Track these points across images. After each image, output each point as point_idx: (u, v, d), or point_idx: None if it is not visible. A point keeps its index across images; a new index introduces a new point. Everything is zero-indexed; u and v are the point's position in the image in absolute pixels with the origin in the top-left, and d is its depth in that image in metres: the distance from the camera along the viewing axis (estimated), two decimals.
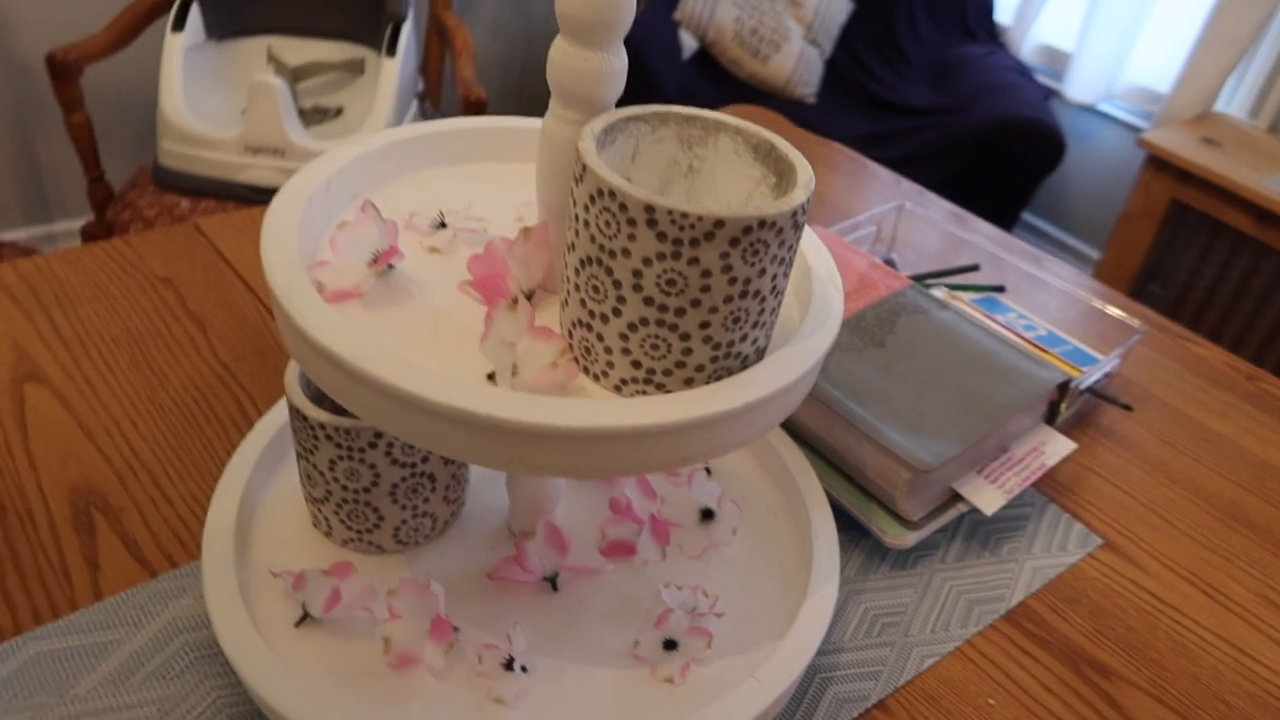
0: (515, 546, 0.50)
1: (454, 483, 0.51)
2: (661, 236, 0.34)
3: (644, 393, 0.38)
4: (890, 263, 0.82)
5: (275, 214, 0.41)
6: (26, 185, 1.76)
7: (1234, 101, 1.78)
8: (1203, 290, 1.68)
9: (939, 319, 0.66)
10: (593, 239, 0.36)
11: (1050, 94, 1.94)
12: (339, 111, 1.48)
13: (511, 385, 0.37)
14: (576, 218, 0.37)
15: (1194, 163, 1.57)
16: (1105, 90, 1.90)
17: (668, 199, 0.34)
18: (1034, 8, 1.96)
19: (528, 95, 2.49)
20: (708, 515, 0.55)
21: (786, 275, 0.38)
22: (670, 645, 0.48)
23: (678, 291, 0.35)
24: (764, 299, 0.37)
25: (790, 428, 0.61)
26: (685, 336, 0.36)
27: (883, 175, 1.06)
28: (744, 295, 0.36)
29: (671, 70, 1.74)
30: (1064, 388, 0.63)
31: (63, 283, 0.72)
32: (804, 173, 0.37)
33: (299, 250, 0.40)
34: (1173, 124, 1.69)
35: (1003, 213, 1.70)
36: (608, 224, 0.35)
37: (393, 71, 1.38)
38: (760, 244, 0.35)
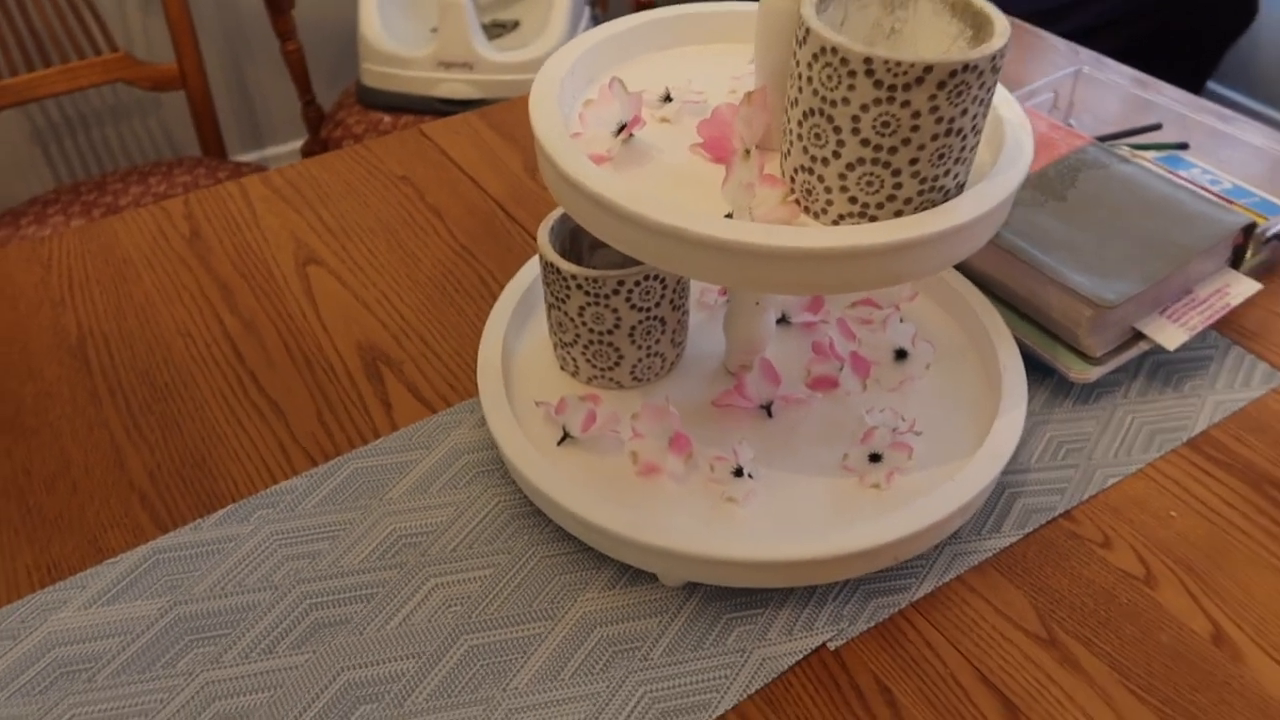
0: (735, 379, 0.59)
1: (679, 327, 0.59)
2: (878, 84, 0.40)
3: (859, 225, 0.44)
4: (1072, 128, 0.84)
5: (538, 94, 0.50)
6: (241, 114, 1.95)
7: None
8: None
9: (1120, 172, 0.69)
10: (815, 92, 0.42)
11: None
12: (516, 24, 1.56)
13: (748, 221, 0.45)
14: (800, 75, 0.43)
15: None
16: None
17: (883, 50, 0.40)
18: None
19: None
20: (901, 355, 0.61)
21: (985, 116, 0.43)
22: (875, 458, 0.55)
23: (891, 132, 0.41)
24: (965, 136, 0.43)
25: (974, 276, 0.66)
26: (896, 173, 0.43)
27: (1059, 45, 1.06)
28: (948, 133, 0.42)
29: None
30: (1248, 231, 0.65)
31: (320, 184, 0.84)
32: (1000, 22, 0.42)
33: (562, 125, 0.48)
34: None
35: (1187, 82, 1.63)
36: (829, 78, 0.41)
37: None
38: (963, 86, 0.40)
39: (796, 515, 0.53)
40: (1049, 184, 0.67)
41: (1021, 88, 0.96)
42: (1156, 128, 0.82)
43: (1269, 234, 0.70)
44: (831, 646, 0.51)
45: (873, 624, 0.51)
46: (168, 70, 1.38)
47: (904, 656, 0.50)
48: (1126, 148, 0.80)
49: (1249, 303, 0.71)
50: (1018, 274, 0.63)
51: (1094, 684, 0.49)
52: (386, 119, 1.44)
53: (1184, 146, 0.81)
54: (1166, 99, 0.96)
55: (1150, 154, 0.80)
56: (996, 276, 0.65)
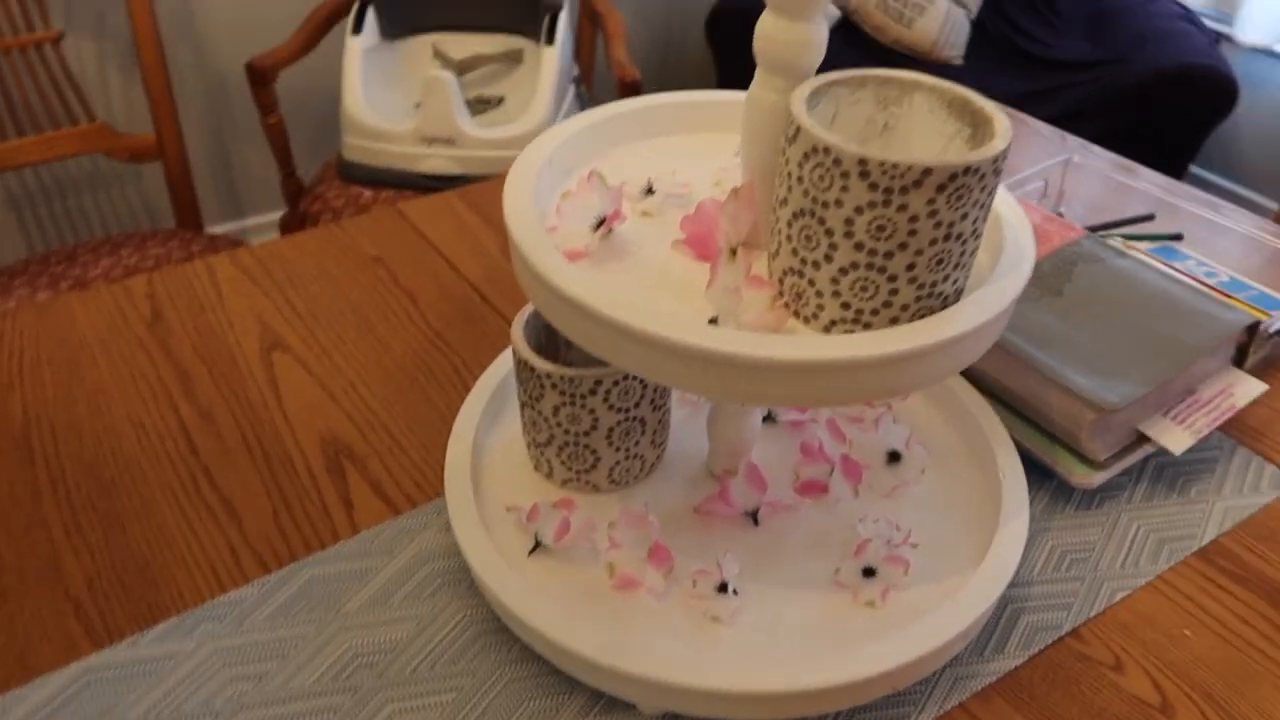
0: (719, 484, 0.55)
1: (660, 428, 0.56)
2: (873, 186, 0.38)
3: (852, 331, 0.41)
4: (1060, 216, 0.83)
5: (513, 186, 0.47)
6: (221, 184, 1.93)
7: None
8: None
9: (1116, 266, 0.66)
10: (806, 193, 0.40)
11: (1219, 38, 1.84)
12: (501, 100, 1.55)
13: (734, 328, 0.42)
14: (789, 174, 0.40)
15: None
16: None
17: (879, 151, 0.37)
18: None
19: (671, 76, 2.53)
20: (894, 457, 0.58)
21: (985, 219, 0.41)
22: (869, 572, 0.51)
23: (887, 236, 0.39)
24: (965, 241, 0.40)
25: (971, 376, 0.63)
26: (892, 278, 0.40)
27: (1045, 131, 1.05)
28: (948, 238, 0.39)
29: None
30: (1252, 330, 0.63)
31: (291, 264, 0.81)
32: (1001, 122, 0.40)
33: (538, 218, 0.45)
34: None
35: (1169, 166, 1.63)
36: (821, 178, 0.39)
37: (553, 59, 1.44)
38: (964, 189, 0.38)
39: (786, 637, 0.49)
40: (1045, 278, 0.65)
41: (1011, 176, 0.95)
42: (1150, 218, 0.80)
43: (1272, 330, 0.67)
44: None
45: None
46: (146, 141, 1.36)
47: None
48: (1120, 239, 0.78)
49: (1253, 402, 0.68)
50: (1015, 373, 0.60)
51: None
52: (367, 193, 1.42)
53: (1178, 238, 0.79)
54: (1157, 188, 0.95)
55: (1144, 245, 0.78)
56: (993, 375, 0.62)
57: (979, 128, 0.41)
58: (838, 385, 0.39)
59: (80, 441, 0.64)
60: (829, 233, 0.40)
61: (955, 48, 1.80)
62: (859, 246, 0.39)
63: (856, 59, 1.79)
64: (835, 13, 1.87)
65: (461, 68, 1.56)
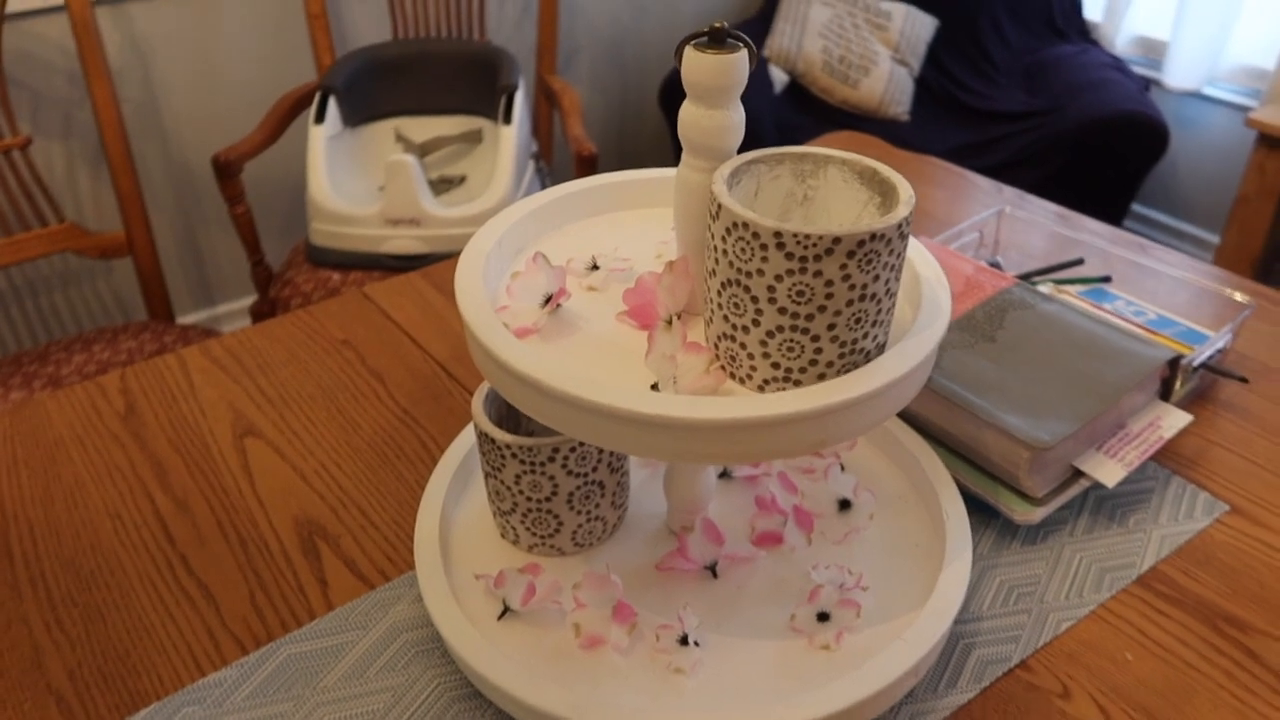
0: (678, 540, 0.58)
1: (619, 490, 0.59)
2: (789, 256, 0.41)
3: (784, 389, 0.45)
4: (996, 265, 0.87)
5: (463, 271, 0.50)
6: (193, 274, 1.96)
7: None
8: None
9: (1045, 311, 0.70)
10: (731, 264, 0.43)
11: (1149, 85, 1.93)
12: (463, 179, 1.60)
13: (673, 392, 0.45)
14: (715, 248, 0.44)
15: None
16: (1208, 74, 1.88)
17: (792, 224, 0.41)
18: (1123, 1, 1.96)
19: (629, 145, 2.60)
20: (845, 505, 0.61)
21: (898, 279, 0.44)
22: (823, 617, 0.54)
23: (806, 300, 0.42)
24: (880, 300, 0.43)
25: (913, 422, 0.66)
26: (815, 338, 0.43)
27: (982, 184, 1.10)
28: (863, 299, 0.43)
29: (766, 106, 1.82)
30: (1174, 364, 0.67)
31: (261, 352, 0.84)
32: (905, 190, 0.44)
33: (489, 299, 0.48)
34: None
35: (1110, 208, 1.70)
36: (743, 250, 0.42)
37: (511, 137, 1.49)
38: (873, 254, 0.41)
39: (746, 684, 0.51)
40: (978, 326, 0.69)
41: (948, 228, 0.99)
42: (1079, 263, 0.84)
43: (1196, 363, 0.71)
44: None
45: None
46: (115, 238, 1.39)
47: None
48: (1051, 284, 0.82)
49: (1186, 432, 0.72)
50: (954, 418, 0.64)
51: None
52: (336, 276, 1.45)
53: (1107, 280, 0.83)
54: (1089, 233, 1.00)
55: (1074, 288, 0.83)
56: (934, 420, 0.65)
57: (887, 195, 0.45)
58: (772, 440, 0.42)
59: (58, 538, 0.65)
60: (754, 299, 0.43)
61: (900, 104, 1.88)
62: (783, 311, 0.43)
63: (806, 119, 1.86)
64: (784, 78, 1.95)
65: (423, 150, 1.61)
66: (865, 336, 0.44)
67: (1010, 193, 1.09)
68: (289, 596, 0.61)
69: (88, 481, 0.70)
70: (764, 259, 0.42)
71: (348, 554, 0.63)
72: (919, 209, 1.04)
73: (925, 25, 1.90)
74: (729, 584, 0.57)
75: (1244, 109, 1.87)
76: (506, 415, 0.60)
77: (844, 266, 0.41)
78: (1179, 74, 1.88)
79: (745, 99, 1.80)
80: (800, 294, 0.42)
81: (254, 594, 0.61)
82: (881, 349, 0.46)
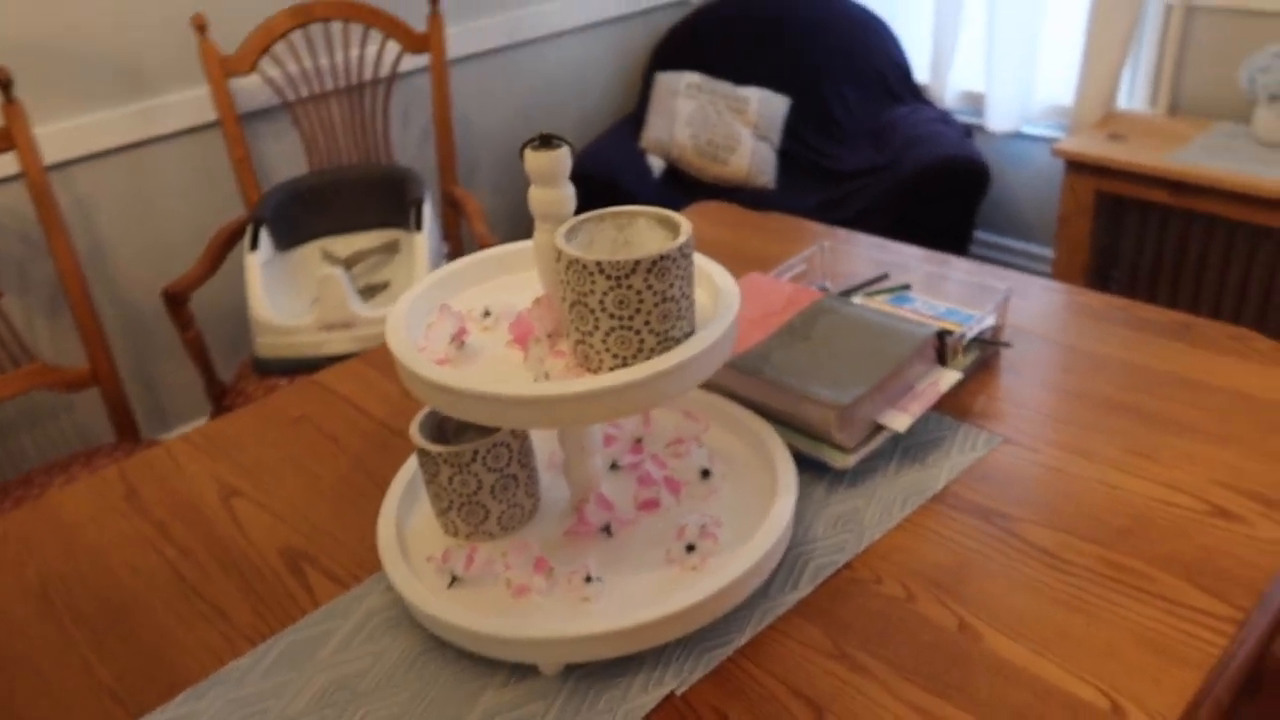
0: (577, 510, 0.76)
1: (530, 481, 0.77)
2: (609, 277, 0.61)
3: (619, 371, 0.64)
4: (824, 288, 1.08)
5: (391, 326, 0.69)
6: (148, 401, 2.10)
7: (1134, 97, 2.04)
8: (1150, 265, 1.91)
9: (848, 313, 0.91)
10: (574, 290, 0.63)
11: (973, 131, 2.23)
12: (386, 285, 1.79)
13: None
14: (563, 282, 0.64)
15: (1106, 157, 1.82)
16: (1021, 116, 2.19)
17: (608, 258, 0.61)
18: (945, 63, 2.27)
19: (530, 232, 2.82)
20: (705, 474, 0.80)
21: (690, 285, 0.64)
22: (690, 548, 0.72)
23: (626, 306, 0.62)
24: (679, 301, 0.63)
25: (752, 406, 0.86)
26: (638, 332, 0.63)
27: (818, 229, 1.33)
28: (665, 301, 0.62)
29: (646, 190, 2.05)
30: (942, 337, 0.88)
31: (231, 435, 1.00)
32: (685, 226, 0.64)
33: (412, 342, 0.67)
34: (1082, 130, 1.96)
35: (955, 239, 1.96)
36: (579, 280, 0.62)
37: (423, 244, 1.69)
38: (665, 269, 0.61)
39: (636, 601, 0.69)
40: (795, 329, 0.89)
41: (780, 263, 1.21)
42: (884, 278, 1.06)
43: (969, 337, 0.92)
44: (678, 693, 0.66)
45: (708, 671, 0.67)
46: (80, 371, 1.54)
47: (733, 689, 0.66)
48: (862, 295, 1.04)
49: (973, 391, 0.93)
50: (782, 399, 0.83)
51: (876, 678, 0.65)
52: (283, 382, 1.61)
53: (906, 287, 1.05)
54: (900, 256, 1.22)
55: (881, 297, 1.04)
56: (768, 403, 0.85)
57: (677, 232, 0.65)
58: (616, 403, 0.61)
59: (87, 586, 0.81)
60: (592, 312, 0.63)
61: (766, 175, 2.13)
62: (612, 316, 0.62)
63: (685, 198, 2.11)
64: (661, 163, 2.20)
65: (348, 263, 1.80)
66: (674, 328, 0.64)
67: (842, 233, 1.31)
68: (284, 603, 0.77)
69: (105, 546, 0.86)
70: (593, 283, 0.61)
71: (326, 567, 0.80)
72: (767, 254, 1.26)
73: (779, 104, 2.17)
74: (620, 539, 0.75)
75: (1056, 141, 2.17)
76: (437, 436, 0.78)
77: (647, 279, 0.61)
78: (998, 119, 2.18)
79: (629, 187, 2.04)
80: (621, 303, 0.62)
81: (256, 606, 0.77)
82: (689, 335, 0.66)
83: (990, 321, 0.96)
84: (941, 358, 0.89)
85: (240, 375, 1.68)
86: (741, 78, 2.22)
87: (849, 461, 0.81)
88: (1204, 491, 0.78)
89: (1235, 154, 1.78)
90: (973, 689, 0.64)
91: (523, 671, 0.68)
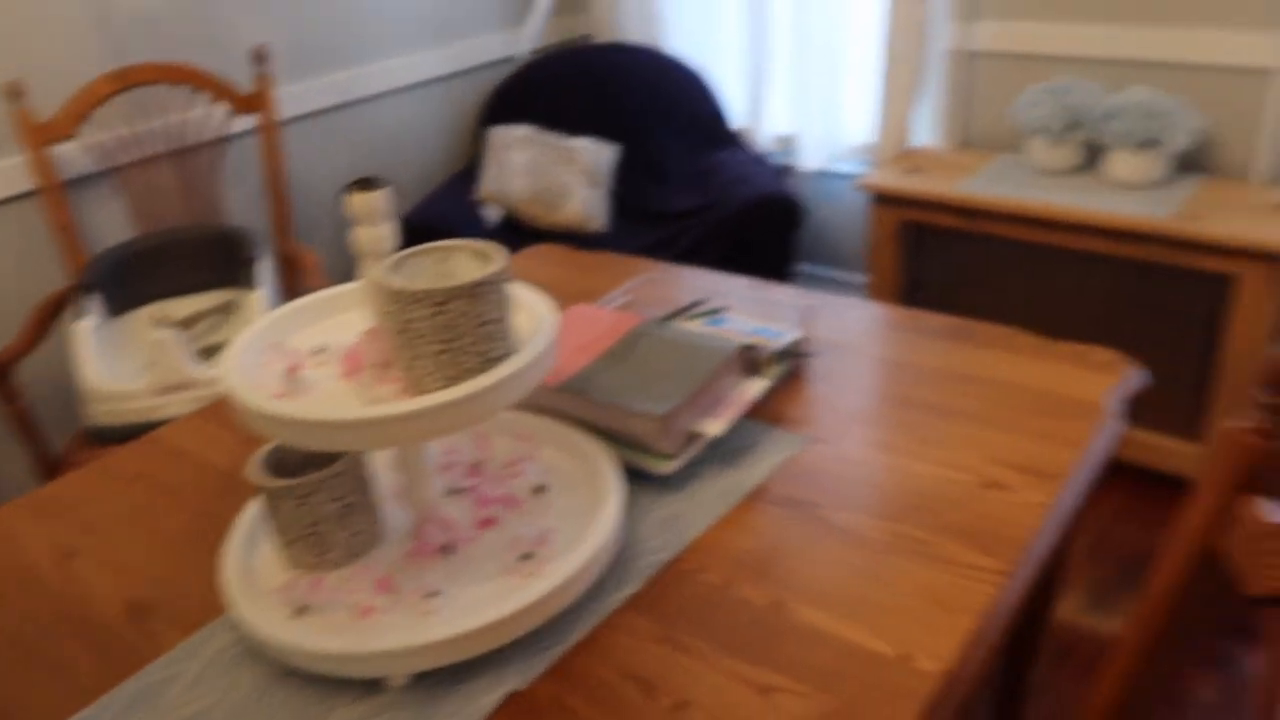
0: (418, 532, 0.80)
1: (370, 509, 0.81)
2: (431, 305, 0.66)
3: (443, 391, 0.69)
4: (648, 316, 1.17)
5: (228, 366, 0.72)
6: None
7: (930, 134, 2.25)
8: (953, 283, 2.10)
9: (665, 335, 0.99)
10: (399, 318, 0.68)
11: (785, 171, 2.40)
12: (225, 345, 1.78)
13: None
14: (390, 313, 0.69)
15: (905, 189, 2.00)
16: (830, 155, 2.39)
17: (428, 286, 0.66)
18: (758, 110, 2.45)
19: None
20: (539, 489, 0.85)
21: (507, 310, 0.70)
22: (527, 556, 0.77)
23: (448, 329, 0.67)
24: (498, 324, 0.69)
25: (584, 425, 0.92)
26: (462, 351, 0.68)
27: (646, 265, 1.42)
28: (483, 324, 0.68)
29: (480, 238, 2.12)
30: (746, 351, 0.97)
31: (69, 497, 0.99)
32: (499, 255, 0.70)
33: (248, 381, 0.70)
34: (884, 165, 2.14)
35: (776, 270, 2.10)
36: (404, 309, 0.67)
37: (261, 301, 1.69)
38: (482, 294, 0.67)
39: (477, 609, 0.73)
40: (617, 354, 0.97)
41: (605, 294, 1.29)
42: (700, 303, 1.15)
43: (773, 351, 1.02)
44: (522, 688, 0.70)
45: (547, 667, 0.72)
46: None
47: (572, 681, 0.71)
48: (682, 319, 1.12)
49: (785, 398, 1.02)
50: (607, 415, 0.90)
51: (701, 655, 0.72)
52: (122, 451, 1.57)
53: (721, 310, 1.14)
54: (726, 285, 1.32)
55: (699, 320, 1.13)
56: (595, 420, 0.91)
57: (494, 262, 0.72)
58: (439, 421, 0.67)
59: None
60: (421, 336, 0.68)
61: (599, 219, 2.23)
62: (436, 341, 0.68)
63: (522, 242, 2.18)
64: (498, 212, 2.26)
65: (185, 324, 1.77)
66: (494, 349, 0.70)
67: (668, 267, 1.41)
68: (127, 655, 0.78)
69: None
70: (415, 310, 0.67)
71: (171, 615, 0.81)
72: (597, 289, 1.34)
73: (608, 152, 2.28)
74: (462, 557, 0.79)
75: (861, 177, 2.36)
76: (278, 474, 0.81)
77: (465, 305, 0.67)
78: (809, 158, 2.36)
79: (459, 234, 2.11)
80: (445, 327, 0.67)
81: (100, 659, 0.77)
82: (508, 355, 0.72)
83: (795, 335, 1.06)
84: (754, 369, 0.98)
85: (73, 447, 1.62)
86: (572, 129, 2.32)
87: (671, 467, 0.89)
88: (979, 468, 0.89)
89: (1014, 181, 1.99)
90: (785, 654, 0.72)
91: (371, 687, 0.72)
